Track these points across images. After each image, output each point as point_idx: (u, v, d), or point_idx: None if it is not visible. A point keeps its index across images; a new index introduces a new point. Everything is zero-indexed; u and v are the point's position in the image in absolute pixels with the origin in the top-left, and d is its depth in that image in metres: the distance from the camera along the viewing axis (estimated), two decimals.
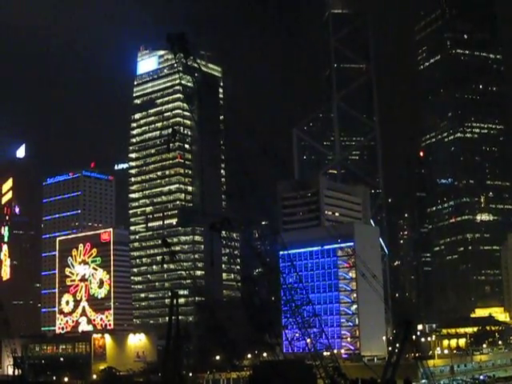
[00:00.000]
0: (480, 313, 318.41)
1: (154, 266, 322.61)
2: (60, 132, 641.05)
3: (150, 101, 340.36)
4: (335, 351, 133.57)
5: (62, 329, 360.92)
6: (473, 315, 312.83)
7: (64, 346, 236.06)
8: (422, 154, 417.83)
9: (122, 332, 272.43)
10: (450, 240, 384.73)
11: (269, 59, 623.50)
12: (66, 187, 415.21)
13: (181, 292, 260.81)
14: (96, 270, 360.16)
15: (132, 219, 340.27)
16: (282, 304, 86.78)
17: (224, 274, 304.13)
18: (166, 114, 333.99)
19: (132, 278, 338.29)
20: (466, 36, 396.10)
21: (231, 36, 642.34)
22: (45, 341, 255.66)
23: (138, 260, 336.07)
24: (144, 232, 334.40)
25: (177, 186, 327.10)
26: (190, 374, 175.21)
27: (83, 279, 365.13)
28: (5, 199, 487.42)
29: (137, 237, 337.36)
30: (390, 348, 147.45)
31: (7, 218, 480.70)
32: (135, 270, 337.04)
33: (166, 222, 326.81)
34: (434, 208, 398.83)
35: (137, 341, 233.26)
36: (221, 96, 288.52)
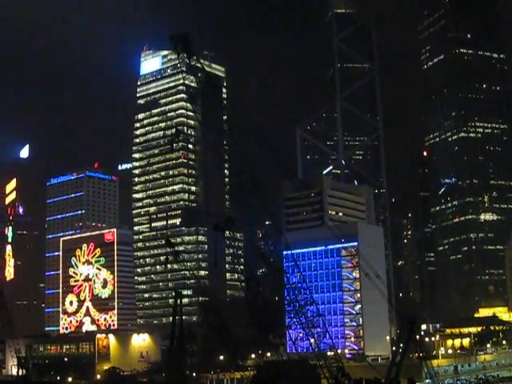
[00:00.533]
0: (484, 312, 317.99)
1: (158, 266, 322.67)
2: (63, 132, 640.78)
3: (153, 101, 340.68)
4: (339, 351, 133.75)
5: (66, 329, 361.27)
6: (477, 315, 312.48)
7: (68, 346, 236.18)
8: (425, 153, 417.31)
9: (126, 332, 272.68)
10: (453, 240, 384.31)
11: (272, 59, 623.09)
12: (69, 187, 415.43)
13: (184, 292, 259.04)
14: (100, 270, 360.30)
15: (136, 219, 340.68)
16: (285, 304, 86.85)
17: (228, 274, 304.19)
18: (169, 114, 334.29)
19: (136, 278, 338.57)
20: (469, 35, 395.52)
21: (234, 36, 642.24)
22: (49, 341, 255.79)
23: (141, 260, 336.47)
24: (148, 232, 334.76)
25: (180, 186, 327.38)
26: (194, 374, 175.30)
27: (87, 279, 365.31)
28: (8, 199, 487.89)
29: (140, 237, 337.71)
30: (393, 348, 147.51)
31: (11, 218, 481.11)
32: (139, 270, 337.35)
33: (169, 222, 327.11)
34: (438, 208, 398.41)
35: (141, 341, 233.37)
36: (224, 96, 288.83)
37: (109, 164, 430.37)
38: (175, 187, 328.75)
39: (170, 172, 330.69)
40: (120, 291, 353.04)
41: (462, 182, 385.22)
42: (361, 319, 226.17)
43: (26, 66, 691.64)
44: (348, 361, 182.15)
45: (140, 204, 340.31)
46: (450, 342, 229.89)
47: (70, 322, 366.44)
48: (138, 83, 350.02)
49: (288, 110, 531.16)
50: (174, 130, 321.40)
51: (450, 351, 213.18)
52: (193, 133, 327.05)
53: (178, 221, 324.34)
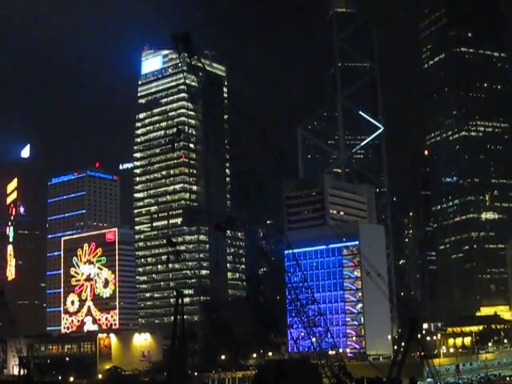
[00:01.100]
0: (485, 311, 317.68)
1: (159, 266, 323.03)
2: (64, 132, 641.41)
3: (154, 100, 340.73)
4: (340, 350, 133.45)
5: (68, 328, 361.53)
6: (478, 314, 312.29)
7: (69, 346, 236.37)
8: (426, 152, 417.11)
9: (128, 331, 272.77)
10: (455, 238, 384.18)
11: (273, 58, 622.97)
12: (70, 187, 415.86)
13: (186, 291, 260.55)
14: (101, 269, 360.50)
15: (137, 219, 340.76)
16: (287, 303, 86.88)
17: (229, 274, 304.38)
18: (170, 114, 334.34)
19: (137, 277, 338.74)
20: (470, 34, 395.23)
21: (235, 35, 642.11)
22: (50, 340, 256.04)
23: (143, 259, 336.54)
24: (149, 231, 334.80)
25: (181, 185, 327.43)
26: (196, 374, 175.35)
27: (88, 279, 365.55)
28: (10, 199, 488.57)
29: (142, 236, 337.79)
30: (395, 347, 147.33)
31: (12, 218, 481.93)
32: (140, 269, 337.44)
33: (170, 222, 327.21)
34: (439, 207, 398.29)
35: (142, 340, 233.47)
36: (225, 95, 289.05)
37: (110, 164, 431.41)
38: (176, 186, 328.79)
39: (171, 171, 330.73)
40: (121, 291, 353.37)
41: (463, 180, 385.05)
42: (362, 318, 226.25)
43: (26, 66, 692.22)
44: (349, 360, 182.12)
45: (141, 203, 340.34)
46: (451, 341, 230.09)
47: (72, 321, 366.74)
48: (139, 83, 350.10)
49: (289, 109, 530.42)
50: (174, 130, 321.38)
51: (451, 350, 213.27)
52: (194, 132, 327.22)
53: (179, 220, 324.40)
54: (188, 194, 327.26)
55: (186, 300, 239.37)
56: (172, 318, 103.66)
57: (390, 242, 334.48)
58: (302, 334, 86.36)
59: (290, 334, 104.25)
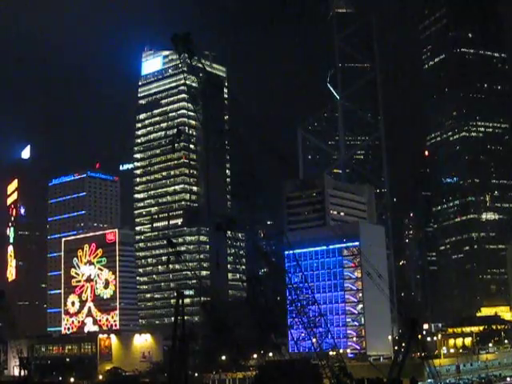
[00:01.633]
0: (486, 312, 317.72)
1: (160, 267, 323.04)
2: (65, 133, 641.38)
3: (154, 101, 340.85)
4: (341, 351, 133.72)
5: (68, 329, 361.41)
6: (479, 314, 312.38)
7: (70, 347, 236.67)
8: (426, 153, 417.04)
9: (128, 332, 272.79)
10: (455, 239, 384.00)
11: (273, 59, 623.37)
12: (71, 188, 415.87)
13: (186, 292, 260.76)
14: (101, 270, 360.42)
15: (137, 219, 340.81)
16: (287, 304, 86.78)
17: (229, 274, 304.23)
18: (170, 115, 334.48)
19: (137, 278, 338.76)
20: (470, 35, 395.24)
21: (235, 35, 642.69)
22: (51, 341, 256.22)
23: (143, 260, 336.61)
24: (149, 232, 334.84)
25: (182, 186, 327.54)
26: (196, 374, 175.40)
27: (89, 280, 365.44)
28: (10, 200, 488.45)
29: (142, 237, 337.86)
30: (395, 347, 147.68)
31: (12, 218, 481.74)
32: (141, 270, 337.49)
33: (171, 223, 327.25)
34: (440, 207, 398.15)
35: (143, 341, 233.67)
36: (225, 96, 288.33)
37: (110, 164, 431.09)
38: (177, 187, 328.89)
39: (172, 172, 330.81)
40: (122, 291, 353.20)
41: (463, 181, 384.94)
42: (363, 319, 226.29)
43: (27, 67, 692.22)
44: (350, 360, 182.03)
45: (141, 204, 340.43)
46: (451, 342, 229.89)
47: (72, 322, 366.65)
48: (140, 83, 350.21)
49: (289, 109, 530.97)
50: (175, 130, 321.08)
51: (452, 351, 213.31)
52: (194, 133, 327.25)
53: (179, 221, 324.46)
54: (188, 195, 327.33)
55: (187, 301, 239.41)
56: (172, 318, 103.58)
57: (390, 243, 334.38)
58: (303, 334, 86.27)
59: (290, 334, 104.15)
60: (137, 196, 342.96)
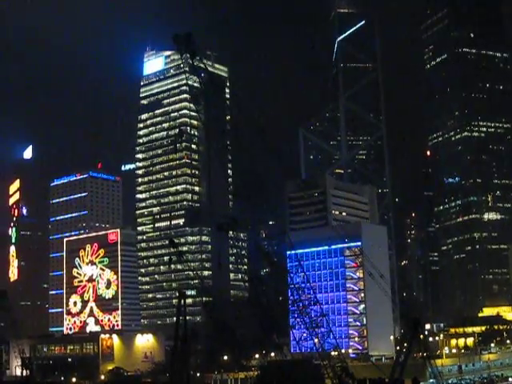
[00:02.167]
0: (488, 312, 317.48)
1: (162, 267, 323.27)
2: (67, 133, 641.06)
3: (156, 101, 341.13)
4: (343, 351, 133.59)
5: (70, 329, 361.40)
6: (481, 314, 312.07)
7: (72, 347, 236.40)
8: (428, 153, 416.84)
9: (130, 332, 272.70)
10: (457, 239, 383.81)
11: (275, 59, 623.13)
12: (73, 188, 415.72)
13: (188, 292, 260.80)
14: (103, 270, 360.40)
15: (139, 220, 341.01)
16: (289, 304, 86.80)
17: (231, 274, 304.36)
18: (172, 115, 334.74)
19: (139, 278, 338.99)
20: (472, 35, 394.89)
21: (237, 36, 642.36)
22: (53, 341, 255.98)
23: (145, 260, 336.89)
24: (151, 232, 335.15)
25: (184, 186, 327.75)
26: (198, 374, 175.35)
27: (91, 280, 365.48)
28: (12, 200, 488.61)
29: (144, 237, 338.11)
30: (397, 347, 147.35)
31: (15, 219, 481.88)
32: (143, 270, 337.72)
33: (173, 223, 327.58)
34: (442, 207, 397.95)
35: (144, 341, 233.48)
36: (227, 96, 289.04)
37: (112, 164, 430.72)
38: (179, 187, 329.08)
39: (174, 172, 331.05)
40: (124, 291, 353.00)
41: (465, 181, 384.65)
42: (364, 319, 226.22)
43: (29, 68, 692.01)
44: (352, 360, 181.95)
45: (143, 204, 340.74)
46: (453, 342, 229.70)
47: (74, 322, 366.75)
48: (141, 83, 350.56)
49: (291, 109, 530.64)
50: (177, 131, 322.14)
51: (454, 351, 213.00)
52: (196, 133, 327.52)
53: (181, 221, 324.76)
54: (190, 195, 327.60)
55: (189, 301, 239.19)
56: (174, 318, 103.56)
57: (392, 243, 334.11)
58: (305, 334, 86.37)
59: (292, 334, 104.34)
60: (139, 196, 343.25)
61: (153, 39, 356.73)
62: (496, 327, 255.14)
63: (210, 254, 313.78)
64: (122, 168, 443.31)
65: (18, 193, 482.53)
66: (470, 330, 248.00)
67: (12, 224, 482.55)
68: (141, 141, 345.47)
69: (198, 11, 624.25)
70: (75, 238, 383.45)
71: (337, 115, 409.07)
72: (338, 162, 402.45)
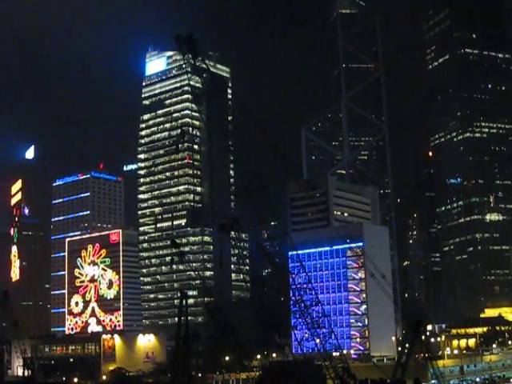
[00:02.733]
0: (490, 313, 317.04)
1: (163, 267, 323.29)
2: (69, 133, 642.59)
3: (158, 101, 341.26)
4: (344, 351, 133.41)
5: (72, 329, 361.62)
6: (482, 315, 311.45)
7: (73, 347, 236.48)
8: (430, 153, 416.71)
9: (132, 333, 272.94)
10: (459, 240, 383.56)
11: (277, 59, 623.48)
12: (75, 188, 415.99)
13: (190, 292, 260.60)
14: (105, 270, 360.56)
15: (141, 220, 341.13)
16: (291, 304, 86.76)
17: (233, 275, 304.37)
18: (174, 115, 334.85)
19: (141, 278, 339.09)
20: (474, 35, 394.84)
21: (239, 36, 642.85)
22: (54, 341, 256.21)
23: (147, 261, 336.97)
24: (153, 233, 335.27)
25: (185, 186, 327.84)
26: (200, 375, 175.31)
27: (92, 280, 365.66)
28: (14, 200, 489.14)
29: (146, 237, 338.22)
30: (399, 348, 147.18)
31: (16, 219, 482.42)
32: (144, 270, 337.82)
33: (174, 223, 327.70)
34: (443, 208, 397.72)
35: (146, 341, 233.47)
36: (229, 96, 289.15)
37: (114, 165, 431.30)
38: (180, 188, 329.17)
39: (176, 172, 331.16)
40: (125, 292, 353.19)
41: (467, 182, 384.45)
42: (366, 320, 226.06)
43: (31, 68, 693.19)
44: (354, 361, 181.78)
45: (145, 205, 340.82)
46: (455, 343, 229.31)
47: (76, 322, 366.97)
48: (143, 84, 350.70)
49: (293, 110, 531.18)
50: (179, 131, 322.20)
51: (455, 352, 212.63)
52: (198, 133, 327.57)
53: (183, 221, 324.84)
54: (192, 195, 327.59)
55: (190, 301, 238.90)
56: (176, 319, 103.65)
57: (394, 244, 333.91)
58: (306, 335, 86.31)
59: (294, 335, 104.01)
60: (140, 196, 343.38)
61: (155, 40, 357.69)
62: (498, 328, 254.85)
63: (212, 255, 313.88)
64: (124, 168, 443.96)
65: (20, 193, 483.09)
66: (471, 330, 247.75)
67: (14, 224, 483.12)
68: (143, 141, 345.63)
69: (200, 12, 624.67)
70: (77, 238, 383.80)
71: (339, 116, 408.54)
72: (340, 163, 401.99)
